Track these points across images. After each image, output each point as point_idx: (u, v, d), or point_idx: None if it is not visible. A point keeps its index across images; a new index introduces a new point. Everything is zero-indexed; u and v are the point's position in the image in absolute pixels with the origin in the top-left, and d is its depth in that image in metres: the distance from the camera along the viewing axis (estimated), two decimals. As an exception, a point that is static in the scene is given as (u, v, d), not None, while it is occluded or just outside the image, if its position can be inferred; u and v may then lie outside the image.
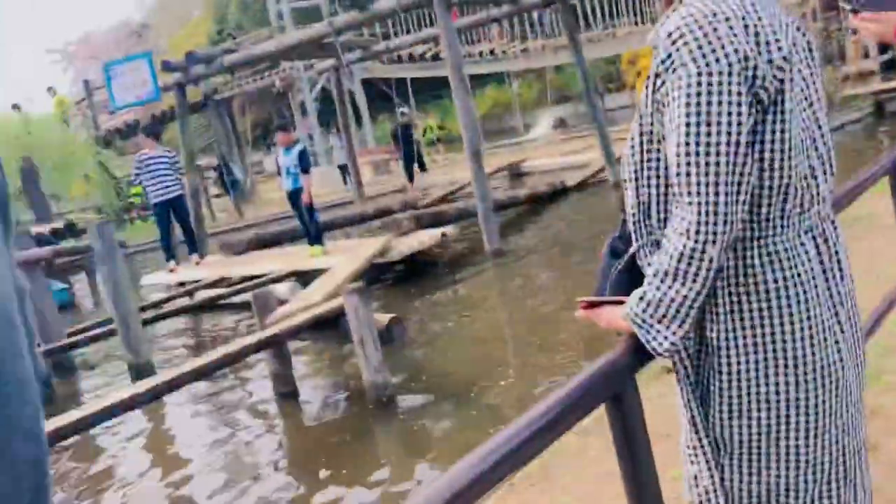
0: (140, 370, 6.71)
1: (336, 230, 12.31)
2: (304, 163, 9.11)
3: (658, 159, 1.48)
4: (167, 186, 9.69)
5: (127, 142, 22.01)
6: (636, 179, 1.52)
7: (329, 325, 5.59)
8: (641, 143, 1.51)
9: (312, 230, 9.32)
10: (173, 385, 4.98)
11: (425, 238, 9.39)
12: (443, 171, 18.71)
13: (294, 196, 9.26)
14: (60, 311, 10.10)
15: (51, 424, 4.32)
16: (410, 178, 16.46)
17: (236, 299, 8.42)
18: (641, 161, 1.51)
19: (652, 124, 1.47)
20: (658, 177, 1.49)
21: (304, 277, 8.36)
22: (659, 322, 1.42)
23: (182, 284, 9.64)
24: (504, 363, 5.94)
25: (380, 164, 22.90)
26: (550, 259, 8.90)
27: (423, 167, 16.69)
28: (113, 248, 6.58)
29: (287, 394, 5.83)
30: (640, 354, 1.47)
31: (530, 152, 19.82)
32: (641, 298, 1.43)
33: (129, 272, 13.44)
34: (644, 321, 1.43)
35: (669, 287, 1.39)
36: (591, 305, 1.59)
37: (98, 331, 7.19)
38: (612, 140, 13.57)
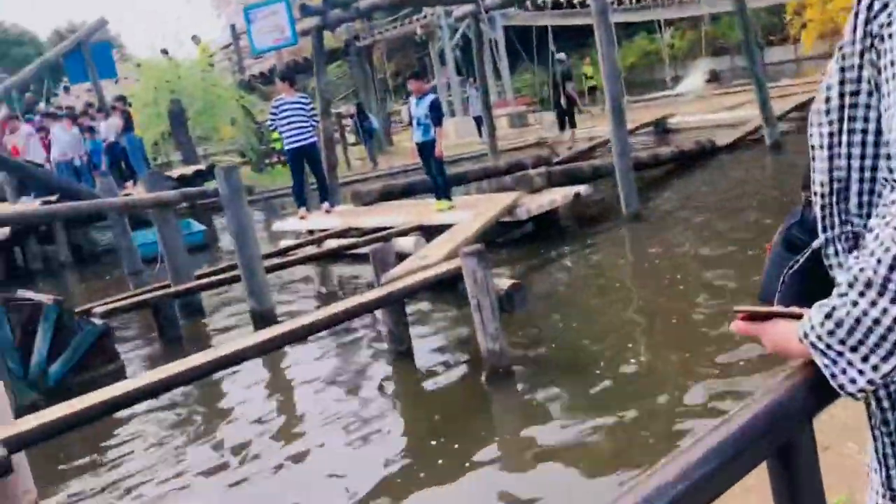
0: (262, 317, 6.75)
1: (469, 184, 12.06)
2: (436, 114, 8.82)
3: (866, 119, 1.05)
4: (301, 133, 9.67)
5: (269, 87, 22.56)
6: (830, 147, 1.09)
7: (447, 286, 5.36)
8: (841, 94, 1.07)
9: (441, 183, 9.08)
10: (288, 338, 4.95)
11: (557, 197, 9.00)
12: (586, 125, 18.03)
13: (423, 148, 9.02)
14: (198, 252, 10.46)
15: (172, 369, 4.39)
16: (562, 126, 16.05)
17: (362, 250, 8.34)
18: (840, 120, 1.07)
19: (860, 68, 1.03)
20: (864, 144, 1.06)
21: (430, 231, 8.17)
22: (852, 351, 0.99)
23: (311, 232, 9.70)
24: (634, 340, 5.50)
25: (516, 116, 22.38)
26: (694, 227, 8.23)
27: (573, 122, 16.15)
28: (238, 193, 6.55)
29: (402, 352, 5.68)
30: (820, 392, 1.05)
31: (679, 107, 18.77)
32: (829, 316, 1.00)
33: (266, 217, 13.88)
34: (830, 347, 1.01)
35: (873, 303, 0.96)
36: (754, 317, 1.16)
37: (224, 275, 7.27)
38: (770, 97, 12.56)
